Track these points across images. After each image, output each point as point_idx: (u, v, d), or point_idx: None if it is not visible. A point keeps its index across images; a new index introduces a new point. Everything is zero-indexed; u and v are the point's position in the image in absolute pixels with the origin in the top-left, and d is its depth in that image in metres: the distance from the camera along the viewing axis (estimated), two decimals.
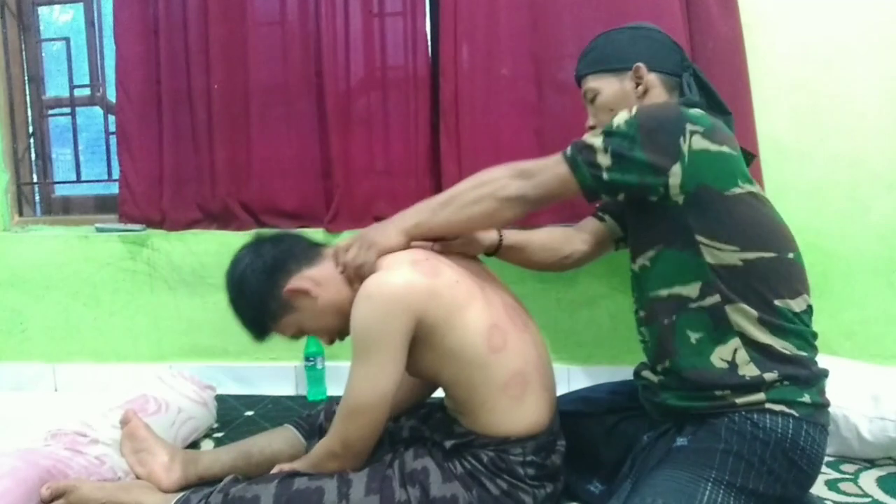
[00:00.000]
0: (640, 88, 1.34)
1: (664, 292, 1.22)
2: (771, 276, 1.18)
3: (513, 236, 1.48)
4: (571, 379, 1.94)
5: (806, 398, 1.16)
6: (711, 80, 1.88)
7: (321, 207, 2.17)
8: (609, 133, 1.17)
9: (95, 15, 2.34)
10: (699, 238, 1.17)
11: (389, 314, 1.18)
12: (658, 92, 1.34)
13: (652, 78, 1.34)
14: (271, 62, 2.14)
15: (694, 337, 1.19)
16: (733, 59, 1.89)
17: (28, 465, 1.37)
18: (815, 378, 1.19)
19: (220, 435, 1.87)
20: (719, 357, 1.18)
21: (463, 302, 1.23)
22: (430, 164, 2.13)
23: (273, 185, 2.19)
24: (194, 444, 1.79)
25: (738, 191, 1.18)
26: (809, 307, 1.22)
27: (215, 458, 1.53)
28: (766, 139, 1.94)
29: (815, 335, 1.22)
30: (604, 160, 1.16)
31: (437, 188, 2.16)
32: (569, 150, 1.21)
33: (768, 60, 1.96)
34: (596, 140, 1.18)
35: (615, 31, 1.41)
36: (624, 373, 1.61)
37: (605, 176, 1.17)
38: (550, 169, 1.22)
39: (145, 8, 2.17)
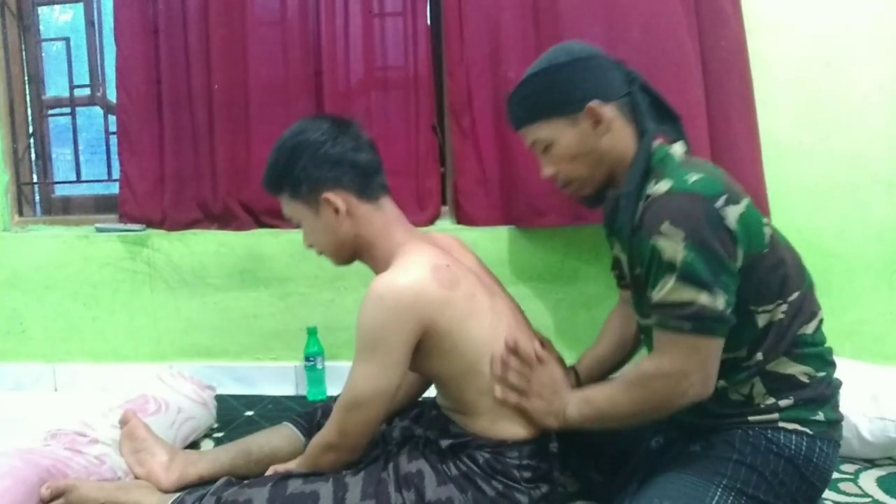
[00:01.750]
0: (602, 128, 1.19)
1: None
2: (799, 313, 1.16)
3: (586, 366, 1.47)
4: None
5: (820, 416, 1.15)
6: (721, 79, 1.89)
7: None
8: (695, 279, 1.05)
9: (95, 15, 2.33)
10: (752, 308, 1.13)
11: (397, 319, 1.16)
12: (619, 125, 1.20)
13: (608, 111, 1.18)
14: (271, 62, 2.14)
15: (721, 384, 1.16)
16: (739, 57, 1.91)
17: (28, 465, 1.37)
18: (831, 395, 1.19)
19: (220, 435, 1.87)
20: (737, 391, 1.17)
21: (477, 311, 1.23)
22: (431, 165, 2.13)
23: None
24: (194, 444, 1.79)
25: (767, 238, 1.14)
26: (821, 321, 1.20)
27: (214, 458, 1.53)
28: (766, 139, 1.94)
29: (830, 350, 1.21)
30: (720, 303, 1.06)
31: (442, 189, 2.18)
32: (688, 326, 1.07)
33: (769, 60, 1.96)
34: (701, 297, 1.05)
35: (549, 67, 1.21)
36: None
37: (729, 314, 1.08)
38: (685, 357, 1.09)
39: (145, 8, 2.17)
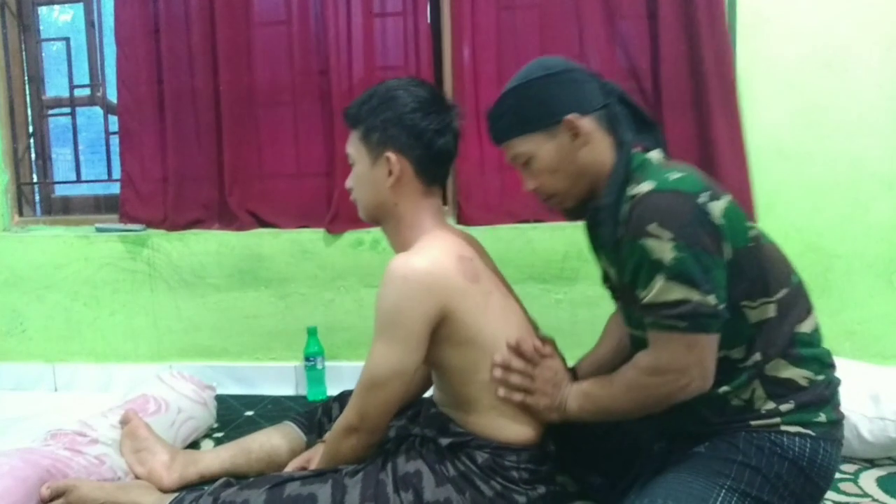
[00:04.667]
0: (580, 141, 1.19)
1: None
2: (792, 309, 1.17)
3: (585, 369, 1.45)
4: None
5: (822, 417, 1.16)
6: (707, 91, 1.92)
7: (322, 208, 2.17)
8: (686, 277, 1.06)
9: (95, 15, 2.34)
10: (743, 303, 1.13)
11: (419, 299, 1.17)
12: (598, 137, 1.20)
13: (586, 123, 1.19)
14: (274, 62, 2.15)
15: (723, 389, 1.17)
16: (721, 67, 1.94)
17: (28, 465, 1.37)
18: (831, 396, 1.19)
19: (220, 435, 1.87)
20: (738, 397, 1.17)
21: (492, 308, 1.24)
22: None
23: (274, 185, 2.19)
24: (194, 444, 1.79)
25: (751, 233, 1.15)
26: (817, 322, 1.20)
27: (215, 457, 1.53)
28: (766, 139, 1.95)
29: (828, 353, 1.21)
30: (712, 299, 1.07)
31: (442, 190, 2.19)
32: (682, 324, 1.08)
33: (768, 60, 1.96)
34: (692, 294, 1.06)
35: (525, 83, 1.22)
36: None
37: (722, 309, 1.08)
38: (683, 354, 1.10)
39: (146, 8, 2.17)
